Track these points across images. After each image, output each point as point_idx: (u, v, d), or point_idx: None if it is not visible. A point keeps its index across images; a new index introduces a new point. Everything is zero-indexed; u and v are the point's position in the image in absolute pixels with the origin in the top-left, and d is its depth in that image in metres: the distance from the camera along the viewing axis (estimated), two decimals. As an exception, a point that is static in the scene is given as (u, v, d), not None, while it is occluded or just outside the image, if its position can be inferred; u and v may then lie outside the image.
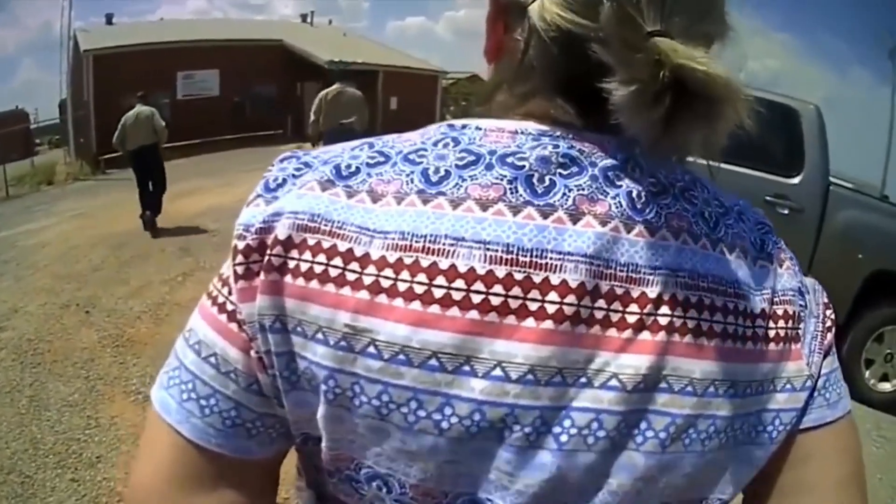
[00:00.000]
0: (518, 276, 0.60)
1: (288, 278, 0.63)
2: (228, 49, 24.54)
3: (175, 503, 0.68)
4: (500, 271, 0.60)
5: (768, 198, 6.20)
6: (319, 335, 0.62)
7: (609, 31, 0.59)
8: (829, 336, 0.75)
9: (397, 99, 26.35)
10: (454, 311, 0.60)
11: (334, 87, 9.27)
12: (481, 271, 0.60)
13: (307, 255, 0.63)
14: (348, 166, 0.67)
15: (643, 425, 0.64)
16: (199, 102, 23.67)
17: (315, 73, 23.59)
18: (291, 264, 0.63)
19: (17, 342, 5.86)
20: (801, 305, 0.73)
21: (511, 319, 0.60)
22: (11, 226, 11.72)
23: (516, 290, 0.60)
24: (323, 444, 0.67)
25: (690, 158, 0.73)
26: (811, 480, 0.73)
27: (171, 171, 10.86)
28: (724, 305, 0.67)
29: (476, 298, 0.60)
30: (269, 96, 24.80)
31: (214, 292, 0.69)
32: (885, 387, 6.41)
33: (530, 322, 0.60)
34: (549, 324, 0.61)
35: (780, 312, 0.71)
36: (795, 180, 6.27)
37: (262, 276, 0.64)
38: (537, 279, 0.61)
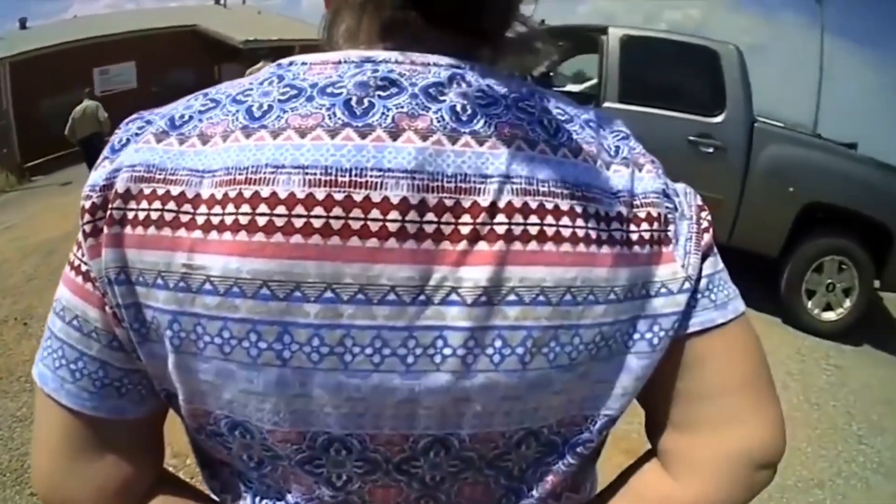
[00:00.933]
0: (338, 197, 0.60)
1: (128, 229, 0.63)
2: (143, 39, 23.90)
3: (68, 474, 0.71)
4: (320, 193, 0.60)
5: (691, 137, 6.37)
6: (159, 280, 0.62)
7: None
8: (707, 237, 0.74)
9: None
10: (278, 237, 0.60)
11: (259, 65, 9.46)
12: (301, 195, 0.60)
13: (143, 204, 0.63)
14: (181, 116, 0.68)
15: (497, 342, 0.63)
16: (119, 96, 23.00)
17: (232, 54, 23.26)
18: (130, 215, 0.63)
19: (-43, 363, 5.69)
20: (667, 207, 0.72)
21: (335, 240, 0.60)
22: (-61, 245, 11.42)
23: (337, 211, 0.60)
24: (180, 400, 0.67)
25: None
26: (707, 386, 0.74)
27: (97, 172, 10.72)
28: (570, 209, 0.65)
29: (298, 223, 0.60)
30: (186, 82, 24.25)
31: (72, 257, 0.70)
32: (830, 316, 6.69)
33: (355, 241, 0.60)
34: (373, 241, 0.60)
35: (642, 215, 0.69)
36: (718, 119, 6.43)
37: (105, 230, 0.64)
38: (358, 198, 0.60)
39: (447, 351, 0.62)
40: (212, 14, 28.20)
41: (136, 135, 0.68)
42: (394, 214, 0.60)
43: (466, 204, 0.62)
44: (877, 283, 6.80)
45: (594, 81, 10.01)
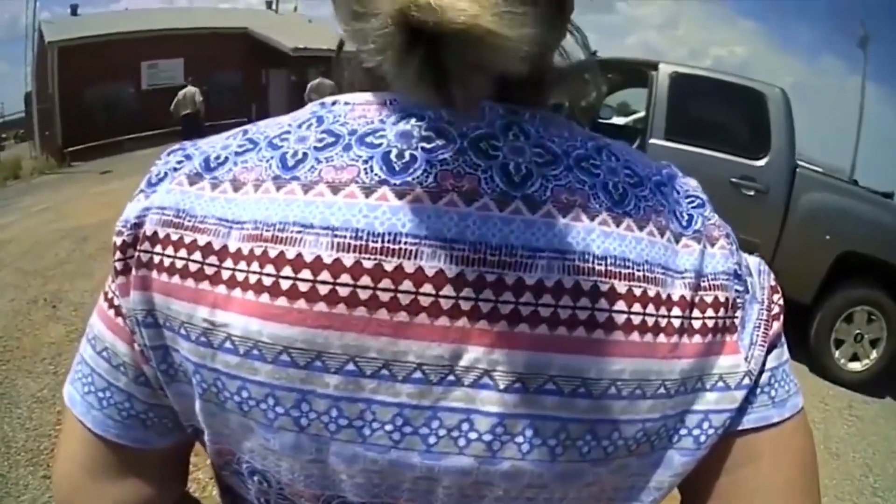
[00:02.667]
0: (367, 265, 0.55)
1: (154, 273, 0.62)
2: (193, 38, 24.16)
3: (89, 492, 0.70)
4: (348, 259, 0.56)
5: (734, 179, 6.26)
6: (182, 330, 0.60)
7: None
8: (776, 325, 0.67)
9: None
10: (301, 304, 0.56)
11: (316, 81, 9.74)
12: (328, 260, 0.56)
13: (170, 251, 0.61)
14: (217, 157, 0.64)
15: (528, 432, 0.58)
16: (165, 92, 23.35)
17: (280, 60, 23.51)
18: (157, 259, 0.62)
19: (-16, 340, 5.77)
20: (737, 291, 0.64)
21: (361, 311, 0.56)
22: (-24, 222, 11.56)
23: (365, 280, 0.55)
24: (206, 438, 0.66)
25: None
26: (751, 486, 0.66)
27: (136, 162, 10.86)
28: (628, 292, 0.58)
29: (323, 290, 0.56)
30: (233, 84, 24.52)
31: (107, 288, 0.68)
32: (856, 366, 6.56)
33: (382, 313, 0.56)
34: (402, 315, 0.56)
35: (708, 300, 0.62)
36: (761, 162, 6.33)
37: (133, 271, 0.62)
38: (389, 267, 0.55)
39: (472, 435, 0.58)
40: (263, 19, 28.50)
41: (174, 169, 0.66)
42: (427, 287, 0.56)
43: (510, 281, 0.56)
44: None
45: (639, 115, 9.83)
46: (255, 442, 0.62)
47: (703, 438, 0.63)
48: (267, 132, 0.65)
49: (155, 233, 0.62)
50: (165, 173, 0.66)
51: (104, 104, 23.11)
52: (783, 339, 0.68)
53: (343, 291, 0.55)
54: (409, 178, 0.57)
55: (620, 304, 0.58)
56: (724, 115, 6.87)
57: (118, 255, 0.64)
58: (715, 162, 6.30)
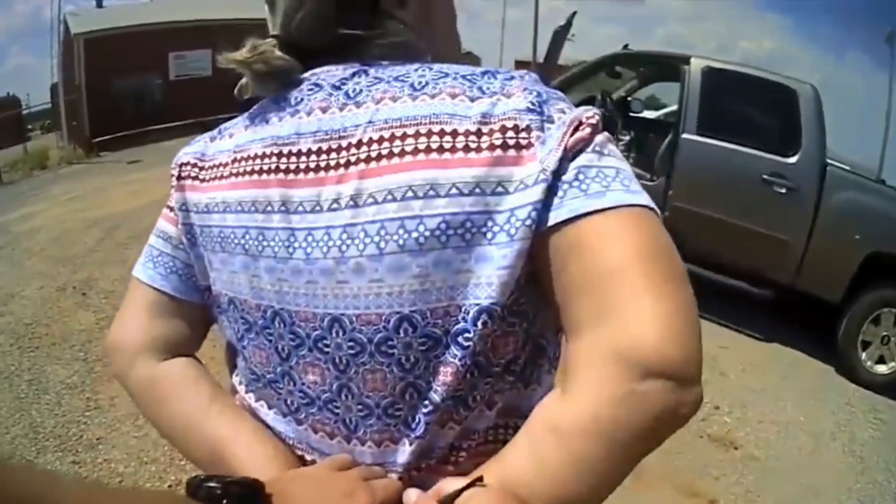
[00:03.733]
0: (276, 151, 0.93)
1: (187, 182, 1.04)
2: (220, 28, 24.01)
3: (142, 324, 1.07)
4: (268, 151, 0.94)
5: (766, 176, 6.27)
6: (195, 208, 1.03)
7: None
8: (579, 134, 0.79)
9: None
10: (247, 178, 0.95)
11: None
12: (259, 153, 0.95)
13: (195, 171, 1.04)
14: (223, 128, 1.08)
15: (361, 234, 0.83)
16: (192, 83, 23.47)
17: None
18: (190, 174, 1.04)
19: (14, 326, 5.87)
20: (531, 119, 0.80)
21: (272, 176, 0.92)
22: (5, 211, 11.68)
23: (273, 160, 0.93)
24: (211, 284, 1.04)
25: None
26: (580, 277, 0.75)
27: (165, 153, 10.92)
28: (415, 132, 0.82)
29: (256, 167, 0.94)
30: (261, 76, 24.74)
31: (168, 199, 1.08)
32: (882, 369, 6.49)
33: (281, 176, 0.91)
34: (292, 175, 0.91)
35: (495, 127, 0.80)
36: (792, 159, 6.31)
37: (176, 183, 1.06)
38: (286, 150, 0.92)
39: (330, 243, 0.86)
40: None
41: (197, 142, 1.11)
42: (303, 158, 0.90)
43: (343, 144, 0.87)
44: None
45: (670, 109, 9.87)
46: (228, 270, 0.99)
47: (512, 231, 0.77)
48: (249, 113, 1.05)
49: (188, 161, 1.06)
50: (197, 139, 1.12)
51: (131, 95, 23.31)
52: (596, 147, 0.81)
53: (265, 167, 0.94)
54: (299, 108, 0.94)
55: (410, 141, 0.82)
56: (755, 110, 6.83)
57: (172, 177, 1.07)
58: (747, 158, 6.34)
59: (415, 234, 0.79)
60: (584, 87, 8.29)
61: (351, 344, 0.85)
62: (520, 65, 40.40)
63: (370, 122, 0.85)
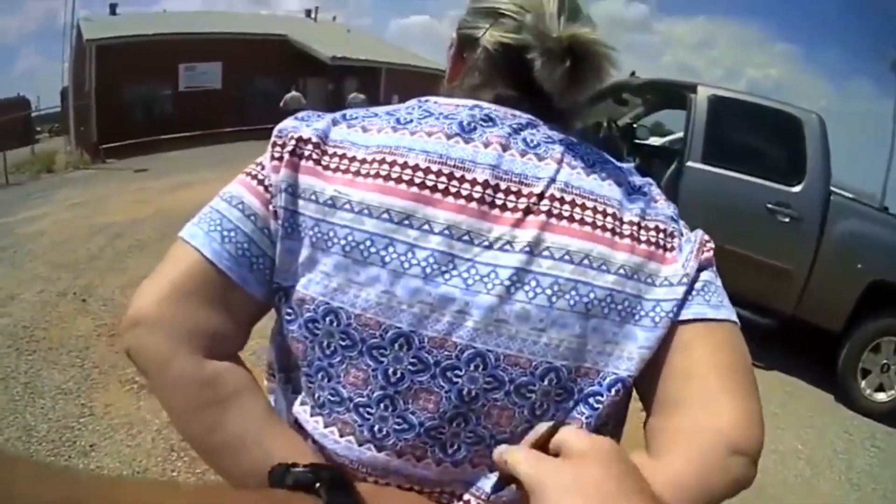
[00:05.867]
0: (446, 171, 0.93)
1: (303, 162, 0.96)
2: (232, 42, 24.51)
3: (176, 308, 0.92)
4: (435, 167, 0.93)
5: (770, 205, 6.34)
6: (313, 197, 0.94)
7: (531, 38, 0.98)
8: (706, 255, 1.00)
9: (398, 96, 25.84)
10: (402, 186, 0.92)
11: (352, 95, 9.96)
12: (423, 166, 0.93)
13: (317, 152, 0.97)
14: (349, 115, 1.03)
15: (532, 282, 0.90)
16: (202, 94, 23.65)
17: (318, 68, 23.67)
18: (307, 153, 0.97)
19: (12, 329, 5.86)
20: (674, 227, 1.00)
21: (437, 195, 0.92)
22: (10, 213, 11.72)
23: (443, 179, 0.92)
24: (298, 286, 0.94)
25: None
26: (689, 366, 0.93)
27: (172, 163, 11.06)
28: (594, 207, 0.95)
29: (417, 180, 0.92)
30: (270, 91, 24.76)
31: (250, 169, 1.01)
32: (881, 397, 6.54)
33: (450, 198, 0.92)
34: (461, 201, 0.92)
35: (651, 226, 0.98)
36: (797, 189, 6.39)
37: (287, 157, 0.96)
38: (457, 174, 0.93)
39: (497, 281, 0.89)
40: (302, 27, 28.82)
41: (319, 116, 1.04)
42: (477, 188, 0.93)
43: (525, 191, 0.94)
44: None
45: (675, 136, 9.88)
46: (345, 277, 0.91)
47: (657, 319, 0.93)
48: (383, 109, 1.05)
49: (309, 138, 0.98)
50: (310, 115, 1.05)
51: (141, 103, 23.46)
52: (714, 269, 1.01)
53: (429, 182, 0.92)
54: (472, 136, 0.97)
55: (589, 213, 0.95)
56: (761, 139, 6.92)
57: (276, 149, 0.98)
58: (752, 186, 6.41)
59: (585, 299, 0.91)
60: (591, 113, 8.36)
61: (489, 380, 0.90)
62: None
63: (553, 179, 0.95)
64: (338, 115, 1.03)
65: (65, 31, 24.33)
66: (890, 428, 6.42)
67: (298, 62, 25.24)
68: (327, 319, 0.91)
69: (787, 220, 6.36)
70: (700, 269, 0.97)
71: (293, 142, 0.97)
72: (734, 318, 0.96)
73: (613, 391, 0.92)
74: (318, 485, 0.72)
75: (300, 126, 0.99)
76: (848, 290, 6.37)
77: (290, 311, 0.95)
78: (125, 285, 6.91)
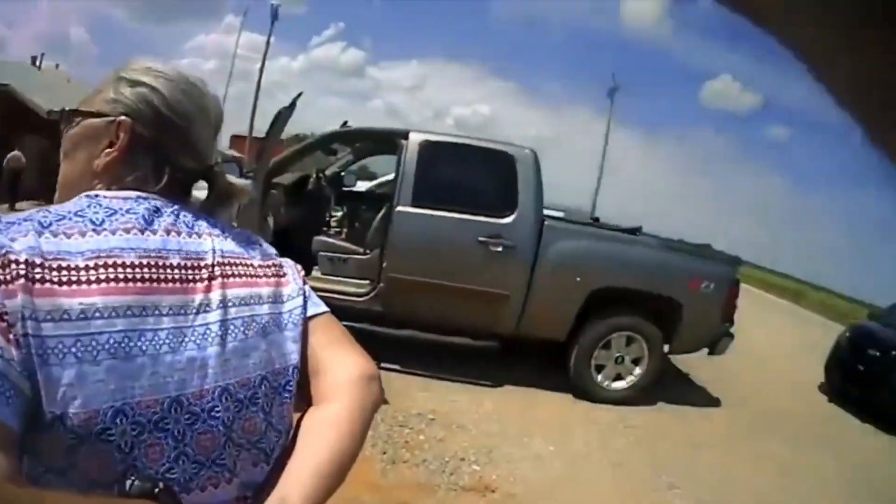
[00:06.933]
0: (152, 263, 1.09)
1: (34, 284, 0.96)
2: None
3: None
4: (144, 261, 1.08)
5: (481, 238, 6.74)
6: (65, 316, 0.97)
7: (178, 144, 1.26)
8: (302, 274, 1.37)
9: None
10: (130, 284, 1.05)
11: (13, 153, 9.85)
12: (137, 262, 1.07)
13: (41, 271, 0.98)
14: (43, 223, 1.05)
15: (232, 327, 1.16)
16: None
17: (35, 122, 21.40)
18: (35, 275, 0.97)
19: None
20: (280, 261, 1.34)
21: (155, 285, 1.08)
22: None
23: (154, 270, 1.09)
24: (75, 411, 0.95)
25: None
26: (324, 342, 1.30)
27: None
28: (240, 262, 1.24)
29: (137, 276, 1.07)
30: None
31: None
32: (621, 384, 7.39)
33: (163, 285, 1.10)
34: (171, 285, 1.11)
35: (268, 263, 1.30)
36: (508, 220, 6.83)
37: (15, 282, 0.95)
38: (160, 263, 1.10)
39: (212, 335, 1.13)
40: (25, 75, 26.65)
41: (17, 229, 1.02)
42: (175, 271, 1.12)
43: (201, 264, 1.17)
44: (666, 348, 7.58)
45: (383, 179, 10.49)
46: (119, 377, 1.00)
47: (296, 322, 1.26)
48: (64, 210, 1.10)
49: (27, 259, 0.97)
50: (12, 229, 1.02)
51: None
52: (306, 281, 1.37)
53: (145, 276, 1.07)
54: (154, 227, 1.14)
55: (241, 267, 1.23)
56: (473, 178, 7.26)
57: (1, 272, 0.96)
58: (462, 223, 6.84)
59: (261, 325, 1.20)
60: (300, 166, 8.51)
61: (236, 404, 1.14)
62: (236, 139, 40.84)
63: (213, 250, 1.20)
64: (31, 224, 1.03)
65: None
66: (638, 408, 7.24)
67: (19, 116, 22.54)
68: (117, 420, 0.99)
69: (499, 249, 6.79)
70: (305, 283, 1.34)
71: (14, 266, 0.96)
72: (327, 308, 1.36)
73: (294, 375, 1.24)
74: (156, 490, 0.95)
75: (5, 243, 0.98)
76: (570, 302, 7.00)
77: (73, 435, 0.95)
78: None
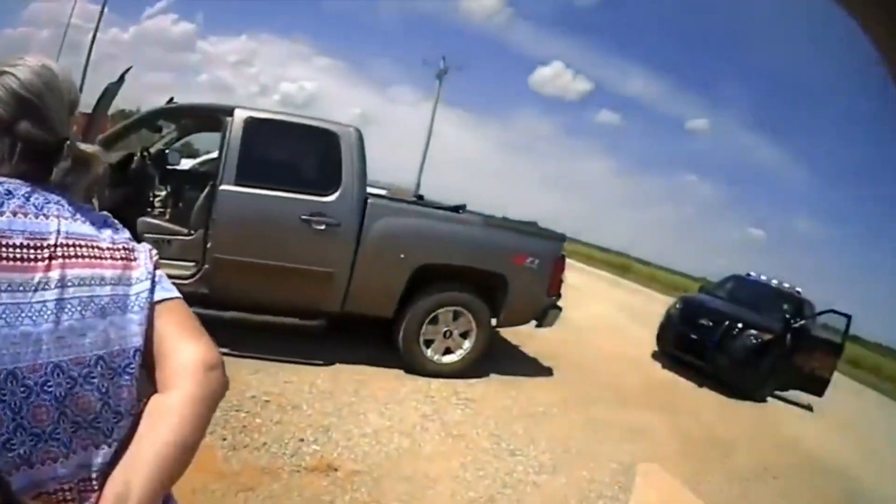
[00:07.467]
0: None
1: None
2: None
3: None
4: None
5: (304, 216, 6.73)
6: None
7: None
8: (155, 259, 1.40)
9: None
10: None
11: None
12: None
13: None
14: None
15: (69, 306, 1.19)
16: None
17: None
18: None
19: None
20: (133, 244, 1.38)
21: None
22: None
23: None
24: None
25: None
26: (169, 329, 1.32)
27: None
28: (86, 244, 1.28)
29: None
30: None
31: None
32: (452, 358, 7.57)
33: (3, 263, 1.14)
34: (11, 263, 1.15)
35: (119, 246, 1.33)
36: (332, 197, 6.84)
37: None
38: (4, 242, 1.15)
39: (48, 312, 1.17)
40: None
41: None
42: (17, 250, 1.16)
43: (44, 244, 1.21)
44: (494, 322, 7.78)
45: (204, 157, 10.39)
46: None
47: (141, 305, 1.30)
48: None
49: None
50: None
51: None
52: (161, 271, 1.41)
53: None
54: (3, 209, 1.20)
55: (84, 249, 1.27)
56: (298, 156, 7.24)
57: None
58: (285, 201, 6.72)
59: (100, 306, 1.23)
60: (125, 144, 8.14)
61: (69, 381, 1.17)
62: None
63: (58, 231, 1.24)
64: None
65: None
66: (470, 380, 7.44)
67: None
68: None
69: (322, 227, 6.72)
70: (155, 268, 1.37)
71: None
72: (179, 294, 1.39)
73: (136, 358, 1.26)
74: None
75: None
76: (395, 280, 7.05)
77: None
78: None
